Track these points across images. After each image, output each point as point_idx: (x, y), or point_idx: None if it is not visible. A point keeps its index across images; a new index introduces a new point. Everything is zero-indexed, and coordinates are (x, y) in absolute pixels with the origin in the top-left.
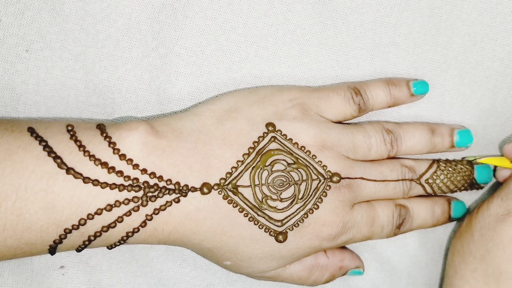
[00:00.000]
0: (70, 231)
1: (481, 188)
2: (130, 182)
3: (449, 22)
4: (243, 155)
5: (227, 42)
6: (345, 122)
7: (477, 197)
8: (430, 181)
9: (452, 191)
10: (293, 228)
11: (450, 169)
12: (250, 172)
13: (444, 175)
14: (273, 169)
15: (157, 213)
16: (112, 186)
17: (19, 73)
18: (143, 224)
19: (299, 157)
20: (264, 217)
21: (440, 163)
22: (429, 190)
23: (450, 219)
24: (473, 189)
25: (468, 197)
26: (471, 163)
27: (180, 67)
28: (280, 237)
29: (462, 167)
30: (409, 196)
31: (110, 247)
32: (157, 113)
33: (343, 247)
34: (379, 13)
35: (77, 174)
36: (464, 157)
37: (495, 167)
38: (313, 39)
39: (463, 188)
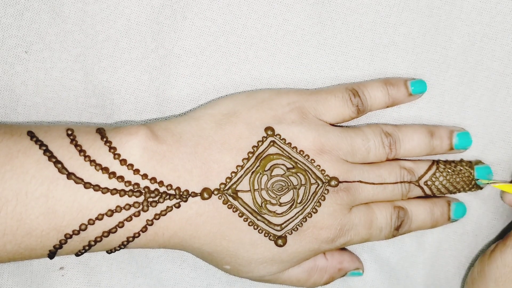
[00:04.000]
0: (71, 236)
1: (481, 189)
2: (131, 187)
3: (448, 22)
4: (243, 159)
5: (226, 43)
6: (344, 123)
7: (478, 198)
8: (429, 183)
9: (452, 193)
10: (292, 232)
11: (449, 170)
12: (250, 177)
13: (443, 177)
14: (272, 174)
15: (158, 218)
16: (113, 191)
17: (19, 75)
18: (144, 229)
19: (298, 162)
20: (263, 222)
21: (440, 164)
22: (428, 192)
23: (449, 220)
24: (472, 190)
25: (468, 197)
26: (471, 164)
27: (179, 68)
28: (280, 241)
29: (461, 168)
30: (408, 198)
31: (110, 251)
32: (156, 114)
33: (342, 249)
34: (379, 13)
35: (78, 180)
36: (462, 159)
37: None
38: (313, 40)
39: (462, 189)
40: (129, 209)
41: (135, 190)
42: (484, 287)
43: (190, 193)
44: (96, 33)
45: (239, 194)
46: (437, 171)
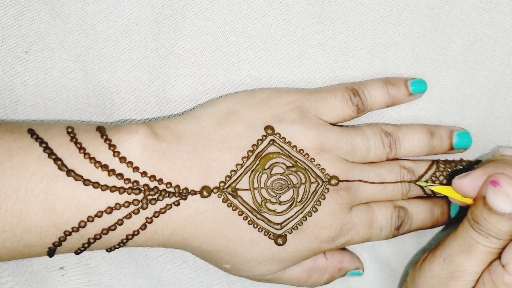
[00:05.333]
0: (70, 234)
1: None
2: (130, 184)
3: (448, 22)
4: (242, 158)
5: (226, 43)
6: (344, 123)
7: None
8: (429, 182)
9: None
10: (292, 231)
11: (449, 170)
12: (250, 176)
13: (443, 176)
14: (272, 172)
15: (157, 216)
16: (113, 188)
17: (19, 75)
18: (143, 226)
19: (298, 160)
20: (263, 220)
21: (440, 164)
22: (428, 191)
23: (450, 220)
24: None
25: None
26: (471, 164)
27: (179, 68)
28: (280, 240)
29: (462, 168)
30: (408, 197)
31: (110, 249)
32: (156, 114)
33: (342, 249)
34: (379, 13)
35: (77, 177)
36: (461, 158)
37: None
38: (313, 40)
39: None
40: (128, 206)
41: (135, 187)
42: None
43: (189, 191)
44: (96, 33)
45: (239, 192)
46: (437, 170)
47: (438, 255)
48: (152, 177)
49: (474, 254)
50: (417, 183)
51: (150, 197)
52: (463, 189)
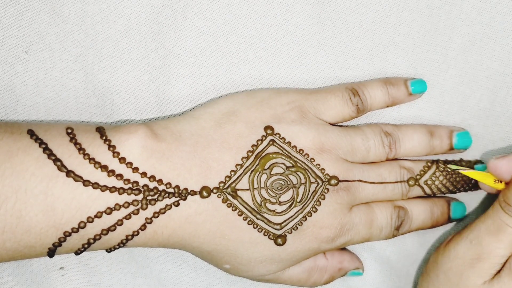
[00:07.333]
0: (70, 234)
1: (481, 188)
2: (130, 185)
3: (448, 22)
4: (242, 158)
5: (226, 43)
6: (343, 123)
7: (477, 198)
8: (429, 182)
9: (451, 192)
10: (292, 231)
11: (449, 170)
12: (249, 176)
13: (443, 176)
14: (272, 173)
15: (157, 217)
16: (112, 189)
17: (19, 75)
18: (143, 227)
19: (297, 160)
20: (263, 221)
21: (439, 164)
22: (428, 191)
23: (449, 220)
24: (472, 190)
25: (468, 197)
26: (471, 164)
27: (179, 68)
28: (279, 240)
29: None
30: (408, 197)
31: (109, 250)
32: (156, 114)
33: (342, 248)
34: (378, 13)
35: (77, 177)
36: (461, 159)
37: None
38: (313, 40)
39: (462, 189)
40: (128, 207)
41: (134, 188)
42: (436, 278)
43: (189, 191)
44: (96, 33)
45: (239, 192)
46: (437, 170)
47: (464, 237)
48: (152, 178)
49: (503, 236)
50: (448, 166)
51: (149, 197)
52: (498, 169)
